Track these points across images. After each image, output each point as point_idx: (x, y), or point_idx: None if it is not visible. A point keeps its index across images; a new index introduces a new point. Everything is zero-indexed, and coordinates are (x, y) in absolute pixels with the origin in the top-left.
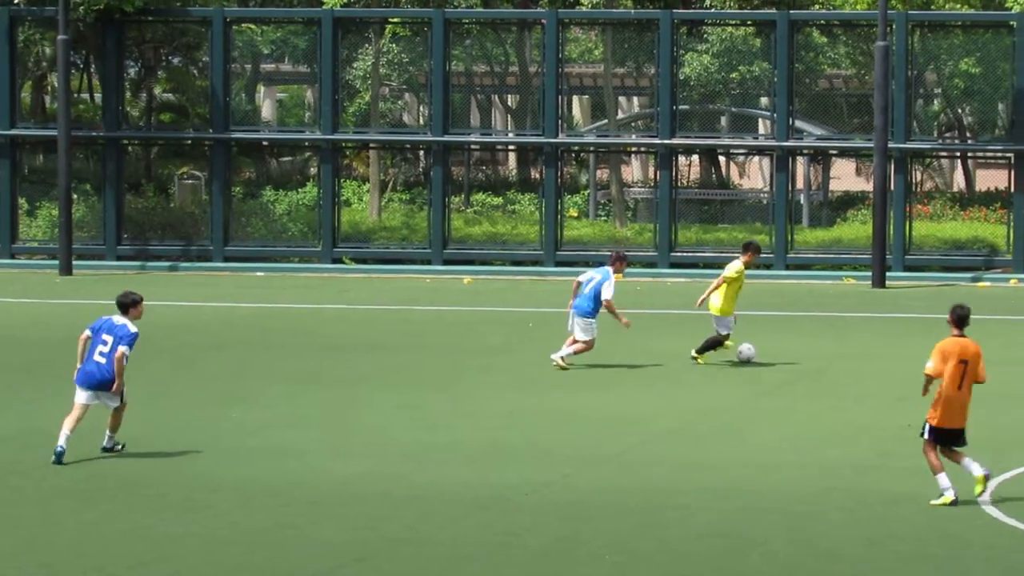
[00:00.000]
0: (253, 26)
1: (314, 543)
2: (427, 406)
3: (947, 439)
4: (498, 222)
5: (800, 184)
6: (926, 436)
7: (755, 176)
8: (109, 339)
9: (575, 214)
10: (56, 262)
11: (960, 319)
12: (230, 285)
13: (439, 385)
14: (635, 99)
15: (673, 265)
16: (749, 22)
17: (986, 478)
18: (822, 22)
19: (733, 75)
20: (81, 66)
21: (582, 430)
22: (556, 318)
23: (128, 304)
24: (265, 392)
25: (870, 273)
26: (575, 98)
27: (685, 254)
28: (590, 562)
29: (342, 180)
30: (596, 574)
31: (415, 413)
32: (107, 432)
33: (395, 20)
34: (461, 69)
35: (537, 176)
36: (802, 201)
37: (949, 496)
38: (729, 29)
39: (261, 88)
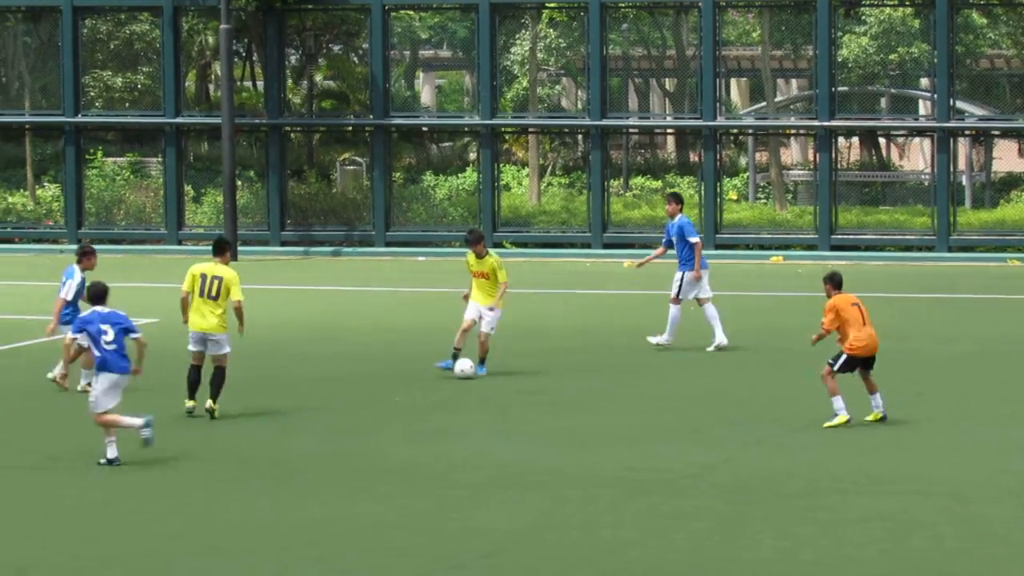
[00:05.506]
0: (411, 12)
1: (476, 527)
2: (587, 389)
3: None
4: (657, 205)
5: (962, 165)
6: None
7: (916, 158)
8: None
9: (735, 197)
10: None
11: (838, 282)
12: (392, 270)
13: (597, 368)
14: (793, 81)
15: (834, 248)
16: (907, 2)
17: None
18: (982, 2)
19: (892, 56)
20: (243, 54)
21: (742, 413)
22: (719, 301)
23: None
24: (426, 376)
25: None
26: (733, 81)
27: (846, 236)
28: (753, 545)
29: (501, 165)
30: (759, 557)
31: (575, 396)
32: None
33: (551, 5)
34: (618, 53)
35: (696, 159)
36: (964, 182)
37: (843, 416)
38: (887, 10)
39: (420, 74)
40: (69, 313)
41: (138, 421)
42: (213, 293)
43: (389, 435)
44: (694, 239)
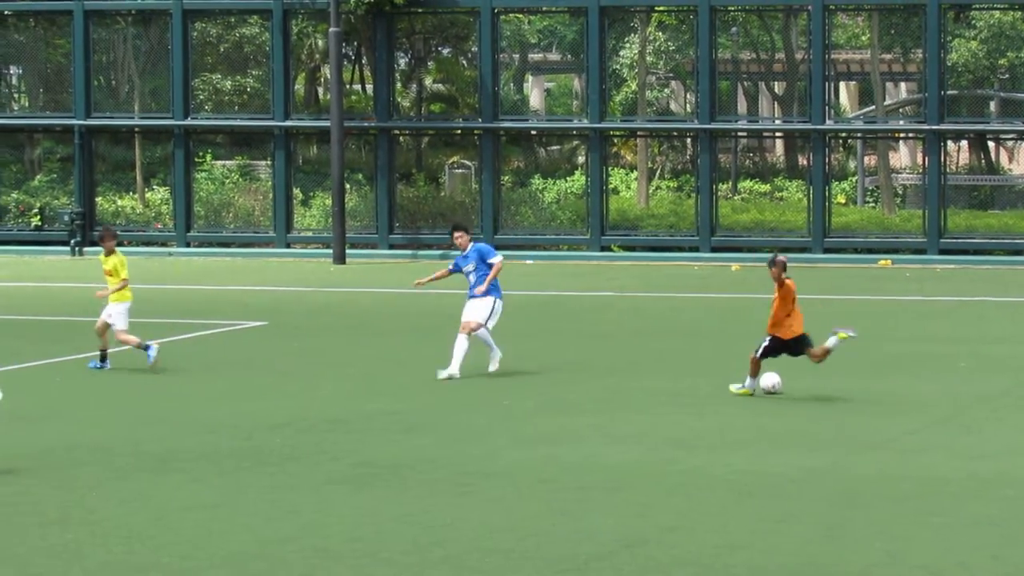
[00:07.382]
0: (520, 16)
1: (583, 530)
2: (695, 392)
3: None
4: (765, 209)
5: None
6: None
7: None
8: None
9: (843, 200)
10: (330, 251)
11: (783, 266)
12: (501, 273)
13: (706, 371)
14: (902, 85)
15: (943, 251)
16: (1018, 6)
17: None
18: None
19: (1001, 60)
20: (353, 58)
21: (850, 416)
22: (824, 304)
23: None
24: (535, 379)
25: None
26: (842, 84)
27: (954, 240)
28: (860, 549)
29: (610, 168)
30: (866, 561)
31: (683, 399)
32: None
33: (661, 8)
34: (727, 56)
35: (804, 163)
36: None
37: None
38: (997, 14)
39: (529, 78)
40: None
41: None
42: None
43: (497, 438)
44: (496, 259)
